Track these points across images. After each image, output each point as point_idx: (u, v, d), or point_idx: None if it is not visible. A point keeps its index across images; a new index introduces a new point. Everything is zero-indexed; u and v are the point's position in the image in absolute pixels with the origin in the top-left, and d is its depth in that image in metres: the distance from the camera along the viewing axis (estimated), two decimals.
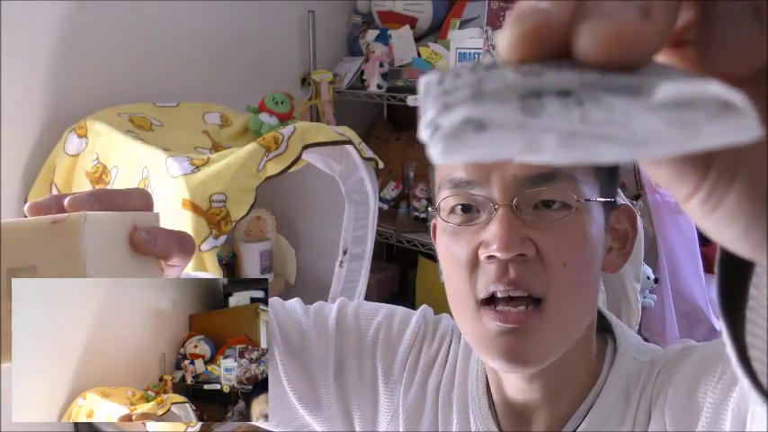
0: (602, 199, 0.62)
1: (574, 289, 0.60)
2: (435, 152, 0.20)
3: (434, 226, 0.69)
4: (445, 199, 0.62)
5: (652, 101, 0.19)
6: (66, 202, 0.39)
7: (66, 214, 0.36)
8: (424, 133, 0.21)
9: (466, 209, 0.61)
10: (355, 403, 0.74)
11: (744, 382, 0.27)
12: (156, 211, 0.44)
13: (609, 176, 0.64)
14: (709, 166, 0.23)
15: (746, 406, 0.52)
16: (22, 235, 0.35)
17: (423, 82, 0.22)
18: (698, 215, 0.24)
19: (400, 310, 0.79)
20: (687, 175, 0.23)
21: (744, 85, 0.20)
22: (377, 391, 0.74)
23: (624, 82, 0.20)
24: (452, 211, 0.62)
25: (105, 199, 0.41)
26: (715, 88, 0.19)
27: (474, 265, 0.60)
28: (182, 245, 0.45)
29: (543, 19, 0.20)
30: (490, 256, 0.58)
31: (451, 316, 0.67)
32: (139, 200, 0.44)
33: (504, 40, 0.21)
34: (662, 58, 0.23)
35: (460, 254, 0.60)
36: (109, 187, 1.55)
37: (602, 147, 0.19)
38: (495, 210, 0.59)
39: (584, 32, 0.20)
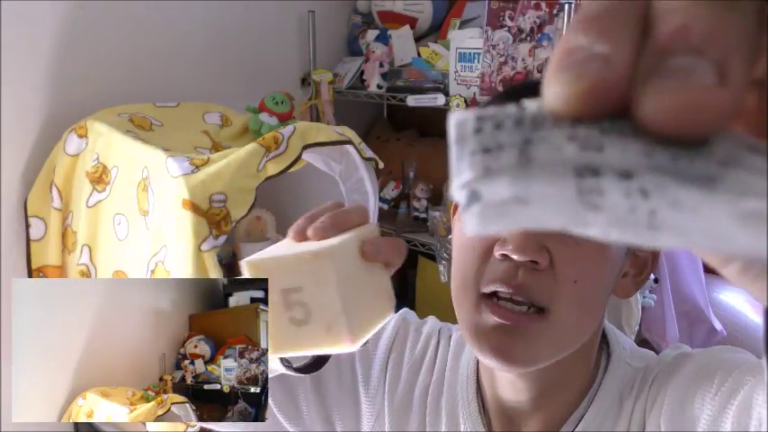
0: None
1: (579, 306, 0.59)
2: (471, 224, 0.18)
3: (455, 206, 0.68)
4: None
5: (735, 207, 0.17)
6: (309, 233, 0.49)
7: (321, 247, 0.46)
8: (458, 194, 0.18)
9: None
10: (336, 410, 0.73)
11: None
12: (370, 223, 0.55)
13: None
14: None
15: (747, 421, 0.52)
16: (289, 264, 0.46)
17: (456, 124, 0.19)
18: (737, 282, 0.21)
19: None
20: None
21: None
22: (357, 396, 0.73)
23: (698, 170, 0.17)
24: None
25: (338, 224, 0.49)
26: None
27: (485, 258, 0.59)
28: (398, 250, 0.53)
29: (606, 73, 0.17)
30: (504, 255, 0.57)
31: (450, 315, 0.67)
32: (359, 216, 0.52)
33: (557, 93, 0.18)
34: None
35: (474, 243, 0.60)
36: (109, 187, 1.55)
37: (658, 235, 0.17)
38: None
39: (650, 97, 0.17)
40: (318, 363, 0.60)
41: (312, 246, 0.47)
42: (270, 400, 0.72)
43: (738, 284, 0.22)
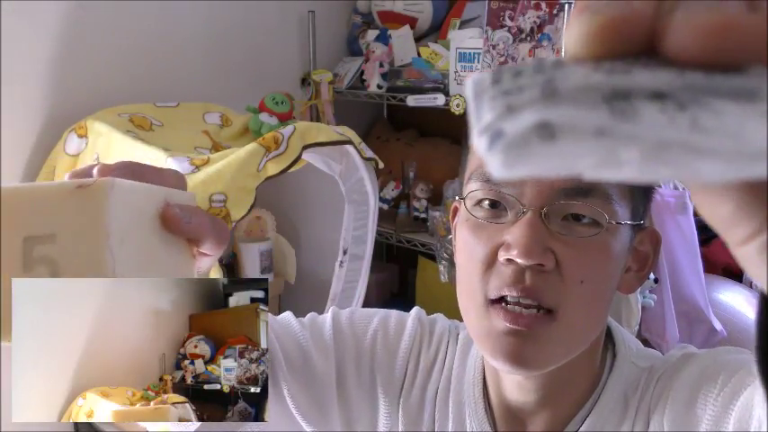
0: (632, 222, 0.60)
1: (587, 305, 0.59)
2: (495, 164, 0.17)
3: (455, 209, 0.68)
4: (474, 191, 0.61)
5: None
6: (95, 169, 0.37)
7: (92, 179, 0.33)
8: (479, 141, 0.17)
9: (493, 204, 0.60)
10: (356, 411, 0.73)
11: None
12: (188, 192, 0.40)
13: (643, 197, 0.62)
14: None
15: (748, 422, 0.51)
16: (43, 200, 0.32)
17: (472, 82, 0.18)
18: (754, 261, 0.21)
19: (394, 314, 0.78)
20: (751, 215, 0.20)
21: None
22: (376, 397, 0.73)
23: (735, 84, 0.16)
24: (479, 204, 0.61)
25: (137, 171, 0.38)
26: None
27: (490, 263, 0.59)
28: (217, 230, 0.41)
29: (627, 7, 0.17)
30: (509, 260, 0.57)
31: (450, 315, 0.67)
32: (173, 179, 0.41)
33: (577, 32, 0.18)
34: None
35: (479, 250, 0.59)
36: None
37: (701, 162, 0.16)
38: (524, 213, 0.57)
39: (679, 23, 0.16)
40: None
41: (78, 180, 0.33)
42: (294, 409, 0.71)
43: (753, 265, 0.21)
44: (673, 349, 0.67)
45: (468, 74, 1.87)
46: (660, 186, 1.68)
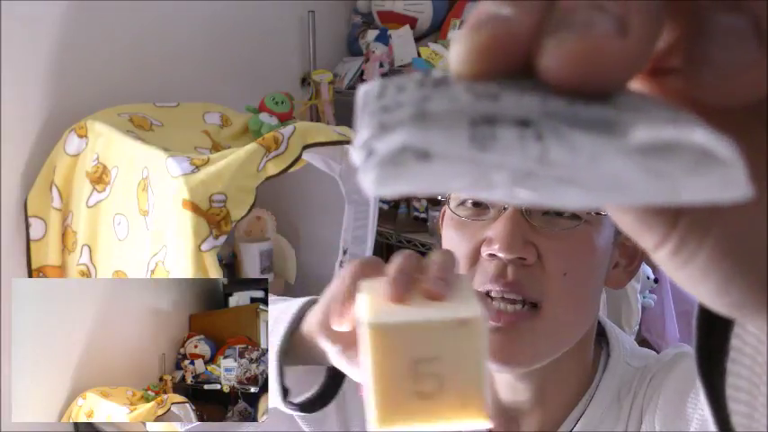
0: None
1: (571, 298, 0.59)
2: (368, 181, 0.17)
3: (443, 213, 0.69)
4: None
5: (626, 143, 0.16)
6: (429, 292, 0.41)
7: (469, 315, 0.39)
8: (356, 156, 0.17)
9: (476, 203, 0.61)
10: (351, 410, 0.73)
11: None
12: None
13: None
14: (678, 217, 0.20)
15: None
16: (430, 332, 0.39)
17: (361, 93, 0.19)
18: (668, 267, 0.21)
19: None
20: (653, 224, 0.20)
21: (736, 120, 0.18)
22: None
23: (594, 114, 0.17)
24: (462, 203, 0.62)
25: (449, 280, 0.43)
26: (699, 136, 0.16)
27: (474, 260, 0.60)
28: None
29: (503, 29, 0.17)
30: (491, 255, 0.58)
31: None
32: (453, 263, 0.45)
33: (457, 51, 0.18)
34: (636, 89, 0.19)
35: (463, 247, 0.60)
36: (109, 187, 1.55)
37: (562, 190, 0.16)
38: (505, 209, 0.58)
39: (549, 47, 0.17)
40: (323, 399, 0.58)
41: (445, 309, 0.41)
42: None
43: (669, 270, 0.21)
44: (667, 348, 0.68)
45: None
46: None
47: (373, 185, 0.17)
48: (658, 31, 0.17)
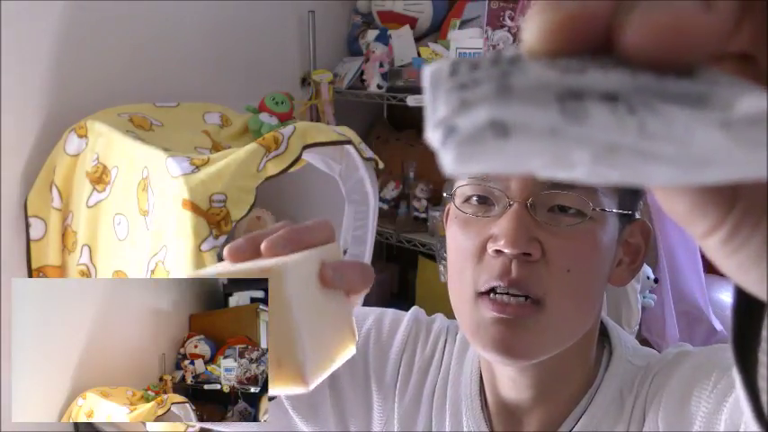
0: (618, 211, 0.61)
1: (575, 295, 0.59)
2: (448, 160, 0.16)
3: (447, 210, 0.69)
4: (461, 187, 0.62)
5: (730, 115, 0.16)
6: (263, 247, 0.41)
7: (270, 264, 0.39)
8: (433, 135, 0.17)
9: (481, 200, 0.61)
10: (349, 409, 0.73)
11: (756, 426, 0.25)
12: (332, 243, 0.46)
13: (631, 189, 0.63)
14: (735, 202, 0.20)
15: (740, 417, 0.52)
16: None
17: (430, 72, 0.18)
18: (718, 254, 0.21)
19: (390, 312, 0.78)
20: (708, 209, 0.20)
21: None
22: (370, 395, 0.73)
23: (686, 89, 0.16)
24: (467, 200, 0.62)
25: (295, 240, 0.42)
26: None
27: (479, 256, 0.60)
28: (364, 277, 0.46)
29: (584, 5, 0.17)
30: (497, 251, 0.58)
31: (450, 314, 0.67)
32: (323, 233, 0.45)
33: (534, 27, 0.18)
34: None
35: (468, 244, 0.60)
36: (109, 187, 1.55)
37: (649, 167, 0.16)
38: (510, 205, 0.58)
39: (634, 22, 0.17)
40: None
41: (261, 263, 0.40)
42: (285, 402, 0.72)
43: (718, 257, 0.21)
44: (669, 347, 0.68)
45: None
46: None
47: (454, 164, 0.16)
48: (738, 9, 0.17)
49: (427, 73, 0.18)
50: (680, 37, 0.16)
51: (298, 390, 0.38)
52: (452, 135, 0.16)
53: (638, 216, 0.66)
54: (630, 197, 0.63)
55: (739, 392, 0.25)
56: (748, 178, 0.16)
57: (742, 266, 0.21)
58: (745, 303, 0.25)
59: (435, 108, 0.17)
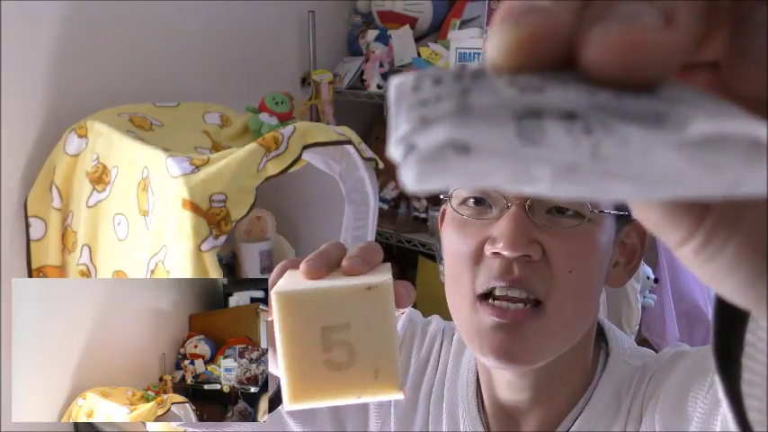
0: (616, 212, 0.61)
1: (575, 296, 0.59)
2: (408, 177, 0.17)
3: (443, 212, 0.68)
4: (458, 189, 0.62)
5: (683, 136, 0.16)
6: (345, 265, 0.43)
7: (378, 280, 0.41)
8: (394, 151, 0.17)
9: (478, 201, 0.61)
10: (345, 410, 0.73)
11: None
12: (387, 263, 0.49)
13: None
14: (706, 213, 0.20)
15: None
16: (339, 298, 0.40)
17: (394, 85, 0.18)
18: (693, 263, 0.21)
19: None
20: (680, 220, 0.20)
21: None
22: None
23: (644, 107, 0.16)
24: (464, 202, 0.62)
25: (369, 260, 0.45)
26: (756, 128, 0.16)
27: (477, 259, 0.60)
28: (414, 295, 0.48)
29: (545, 22, 0.17)
30: (496, 253, 0.58)
31: (448, 316, 0.67)
32: (380, 253, 0.47)
33: (496, 43, 0.18)
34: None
35: (466, 246, 0.60)
36: (109, 187, 1.55)
37: (608, 183, 0.16)
38: (508, 207, 0.58)
39: (594, 38, 0.17)
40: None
41: (357, 280, 0.41)
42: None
43: (693, 266, 0.21)
44: (666, 347, 0.68)
45: None
46: None
47: (414, 182, 0.16)
48: (702, 23, 0.17)
49: (392, 86, 0.18)
50: (639, 54, 0.16)
51: (393, 397, 0.40)
52: (412, 153, 0.17)
53: (633, 217, 0.66)
54: None
55: (721, 397, 0.25)
56: (706, 197, 0.16)
57: (716, 275, 0.21)
58: (725, 309, 0.25)
59: (397, 124, 0.17)
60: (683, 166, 0.16)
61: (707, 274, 0.21)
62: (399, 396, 0.40)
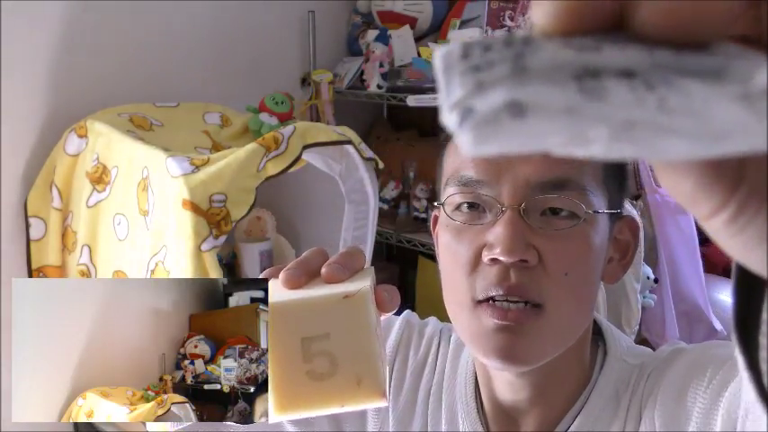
0: (609, 211, 0.61)
1: (573, 297, 0.60)
2: (466, 142, 0.17)
3: (435, 218, 0.68)
4: (452, 195, 0.62)
5: (748, 88, 0.16)
6: (324, 273, 0.43)
7: (355, 288, 0.41)
8: (449, 117, 0.17)
9: (472, 207, 0.61)
10: (344, 414, 0.73)
11: (761, 408, 0.25)
12: (370, 267, 0.48)
13: (618, 186, 0.63)
14: (740, 182, 0.20)
15: (736, 411, 0.52)
16: (317, 308, 0.40)
17: (441, 55, 0.18)
18: (722, 235, 0.21)
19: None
20: (713, 190, 0.20)
21: None
22: None
23: (703, 63, 0.17)
24: (458, 208, 0.61)
25: (350, 265, 0.44)
26: None
27: (475, 265, 0.59)
28: (399, 298, 0.48)
29: None
30: (493, 259, 0.58)
31: (448, 316, 0.67)
32: (362, 258, 0.47)
33: (545, 8, 0.18)
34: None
35: (462, 253, 0.60)
36: (109, 187, 1.55)
37: (666, 141, 0.16)
38: (503, 212, 0.58)
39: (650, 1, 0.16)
40: None
41: (335, 288, 0.41)
42: None
43: (722, 238, 0.21)
44: (663, 345, 0.68)
45: None
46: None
47: (472, 146, 0.16)
48: None
49: (438, 55, 0.18)
50: (696, 14, 0.16)
51: (377, 404, 0.40)
52: (469, 117, 0.17)
53: (625, 212, 0.66)
54: (618, 195, 0.64)
55: (743, 374, 0.26)
56: (765, 149, 0.16)
57: (746, 246, 0.21)
58: (745, 286, 0.25)
59: (450, 91, 0.17)
60: (747, 117, 0.16)
61: (737, 246, 0.21)
62: (383, 403, 0.40)
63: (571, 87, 0.16)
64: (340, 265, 0.44)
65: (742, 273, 0.25)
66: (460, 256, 0.60)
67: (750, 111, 0.16)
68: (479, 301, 0.59)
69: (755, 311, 0.25)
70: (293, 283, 0.43)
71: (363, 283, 0.41)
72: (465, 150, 0.17)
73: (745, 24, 0.19)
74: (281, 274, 0.43)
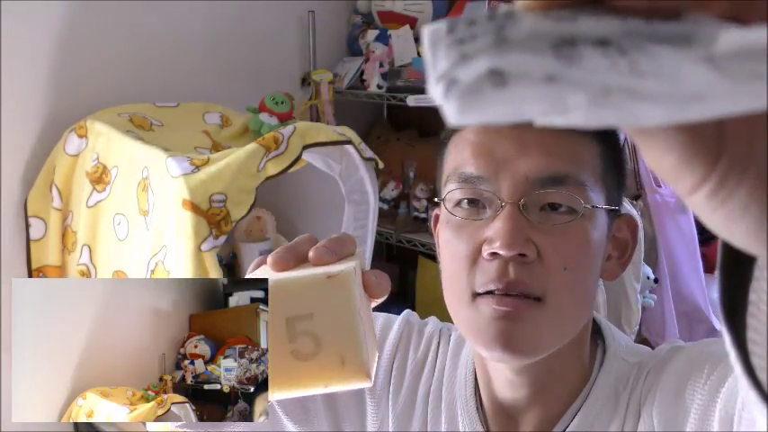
0: (607, 207, 0.62)
1: (572, 292, 0.60)
2: (450, 111, 0.17)
3: (436, 216, 0.69)
4: (452, 192, 0.62)
5: (713, 49, 0.17)
6: (312, 256, 0.44)
7: (338, 269, 0.41)
8: (435, 89, 0.18)
9: (472, 203, 0.61)
10: (342, 410, 0.73)
11: (747, 391, 0.25)
12: (360, 252, 0.49)
13: (616, 184, 0.64)
14: (721, 153, 0.21)
15: (733, 407, 0.52)
16: (300, 287, 0.40)
17: (429, 31, 0.19)
18: (705, 209, 0.22)
19: (381, 317, 0.78)
20: (695, 163, 0.21)
21: None
22: (363, 398, 0.73)
23: (673, 30, 0.17)
24: (458, 204, 0.62)
25: (338, 250, 0.45)
26: None
27: (474, 260, 0.60)
28: (388, 285, 0.48)
29: None
30: (492, 254, 0.58)
31: (448, 316, 0.67)
32: (353, 244, 0.48)
33: None
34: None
35: (462, 248, 0.60)
36: (109, 187, 1.55)
37: (641, 106, 0.17)
38: (502, 207, 0.59)
39: None
40: None
41: (320, 270, 0.41)
42: (276, 405, 0.71)
43: (705, 212, 0.22)
44: (662, 344, 0.68)
45: None
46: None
47: (456, 115, 0.17)
48: None
49: (426, 32, 0.19)
50: None
51: (361, 385, 0.40)
52: (453, 87, 0.17)
53: (624, 211, 0.67)
54: (616, 192, 0.64)
55: (730, 351, 0.26)
56: (737, 111, 0.17)
57: (729, 218, 0.21)
58: (731, 267, 0.26)
59: (436, 63, 0.18)
60: (714, 78, 0.16)
61: (720, 219, 0.22)
62: (368, 384, 0.40)
63: (549, 54, 0.17)
64: (327, 248, 0.44)
65: (728, 253, 0.25)
66: (460, 252, 0.61)
67: (717, 73, 0.17)
68: (479, 294, 0.59)
69: (742, 292, 0.26)
70: (281, 266, 0.43)
71: (348, 265, 0.41)
72: (450, 120, 0.17)
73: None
74: (270, 258, 0.44)
